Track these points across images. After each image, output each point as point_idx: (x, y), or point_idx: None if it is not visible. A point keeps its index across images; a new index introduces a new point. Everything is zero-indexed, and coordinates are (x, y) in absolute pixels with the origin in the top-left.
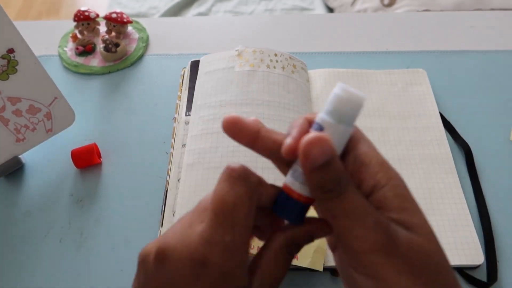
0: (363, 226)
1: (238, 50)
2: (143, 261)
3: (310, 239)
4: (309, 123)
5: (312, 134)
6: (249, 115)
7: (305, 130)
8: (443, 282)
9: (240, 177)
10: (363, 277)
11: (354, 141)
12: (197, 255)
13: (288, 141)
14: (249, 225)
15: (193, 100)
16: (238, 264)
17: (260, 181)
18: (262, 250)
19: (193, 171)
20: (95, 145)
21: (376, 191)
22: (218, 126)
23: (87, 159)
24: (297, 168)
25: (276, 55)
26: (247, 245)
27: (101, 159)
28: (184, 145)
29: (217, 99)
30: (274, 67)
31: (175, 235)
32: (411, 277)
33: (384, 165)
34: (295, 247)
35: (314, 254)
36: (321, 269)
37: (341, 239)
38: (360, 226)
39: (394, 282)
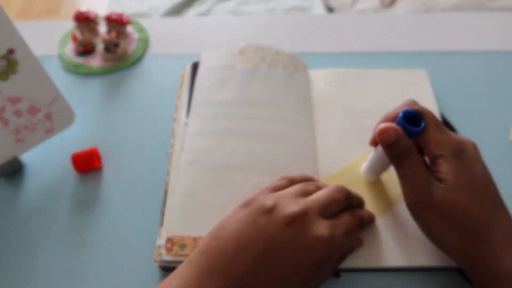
0: (411, 185)
1: (241, 47)
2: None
3: (351, 251)
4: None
5: (383, 125)
6: (248, 115)
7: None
8: (471, 226)
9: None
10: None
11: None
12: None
13: (379, 126)
14: None
15: (193, 96)
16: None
17: None
18: None
19: (191, 169)
20: (96, 149)
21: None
22: (217, 125)
23: (87, 164)
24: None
25: (277, 54)
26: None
27: (102, 162)
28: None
29: (216, 98)
30: (276, 66)
31: None
32: (444, 223)
33: (442, 142)
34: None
35: None
36: None
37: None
38: (408, 184)
39: (433, 226)
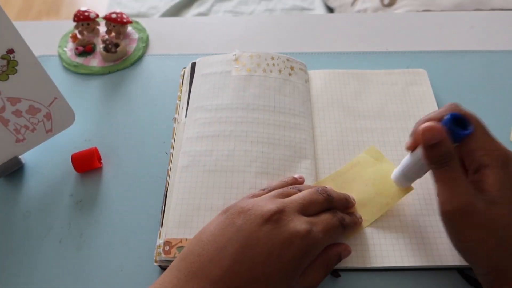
0: (450, 192)
1: (235, 55)
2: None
3: (339, 259)
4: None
5: (428, 123)
6: (243, 119)
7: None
8: (511, 242)
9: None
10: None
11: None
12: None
13: (408, 141)
14: None
15: (189, 102)
16: (316, 251)
17: None
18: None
19: (187, 173)
20: (96, 149)
21: (479, 169)
22: (213, 129)
23: (87, 164)
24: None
25: (273, 58)
26: (326, 244)
27: (102, 161)
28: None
29: (212, 103)
30: (271, 71)
31: None
32: (482, 235)
33: (490, 151)
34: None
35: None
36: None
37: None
38: (448, 192)
39: (469, 236)
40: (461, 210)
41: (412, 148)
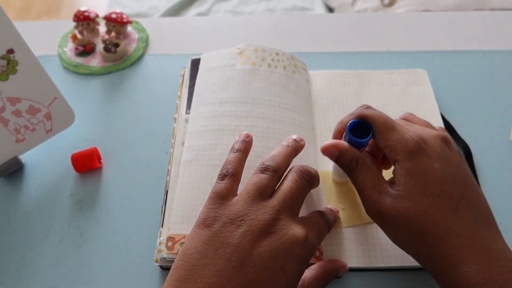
0: (362, 194)
1: (240, 48)
2: (232, 222)
3: (336, 275)
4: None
5: (326, 143)
6: (248, 114)
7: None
8: (423, 233)
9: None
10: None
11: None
12: (300, 239)
13: (323, 145)
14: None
15: (193, 96)
16: (310, 258)
17: None
18: (308, 276)
19: (191, 168)
20: (96, 149)
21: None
22: (217, 123)
23: (87, 164)
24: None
25: (277, 54)
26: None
27: (101, 161)
28: (184, 143)
29: (217, 96)
30: (276, 67)
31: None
32: (397, 231)
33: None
34: (326, 281)
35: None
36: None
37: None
38: (361, 194)
39: (388, 233)
40: (374, 211)
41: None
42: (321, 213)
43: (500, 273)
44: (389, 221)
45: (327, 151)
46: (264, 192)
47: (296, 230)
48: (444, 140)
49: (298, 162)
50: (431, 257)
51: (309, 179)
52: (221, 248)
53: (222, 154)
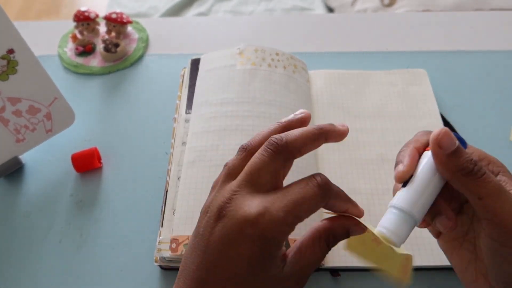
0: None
1: (239, 48)
2: (205, 213)
3: (346, 234)
4: (418, 153)
5: (440, 128)
6: (250, 113)
7: (415, 158)
8: None
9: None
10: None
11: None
12: (250, 217)
13: (401, 168)
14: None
15: (194, 97)
16: (281, 234)
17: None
18: (304, 237)
19: (193, 168)
20: (96, 149)
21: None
22: (219, 124)
23: (87, 164)
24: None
25: (277, 54)
26: (293, 224)
27: (101, 161)
28: (184, 143)
29: (218, 97)
30: (276, 67)
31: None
32: None
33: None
34: (333, 239)
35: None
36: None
37: (488, 216)
38: (506, 202)
39: None
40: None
41: (409, 174)
42: (313, 176)
43: None
44: None
45: (447, 137)
46: (231, 174)
47: (247, 209)
48: None
49: (299, 159)
50: None
51: (275, 148)
52: (196, 238)
53: (224, 155)
